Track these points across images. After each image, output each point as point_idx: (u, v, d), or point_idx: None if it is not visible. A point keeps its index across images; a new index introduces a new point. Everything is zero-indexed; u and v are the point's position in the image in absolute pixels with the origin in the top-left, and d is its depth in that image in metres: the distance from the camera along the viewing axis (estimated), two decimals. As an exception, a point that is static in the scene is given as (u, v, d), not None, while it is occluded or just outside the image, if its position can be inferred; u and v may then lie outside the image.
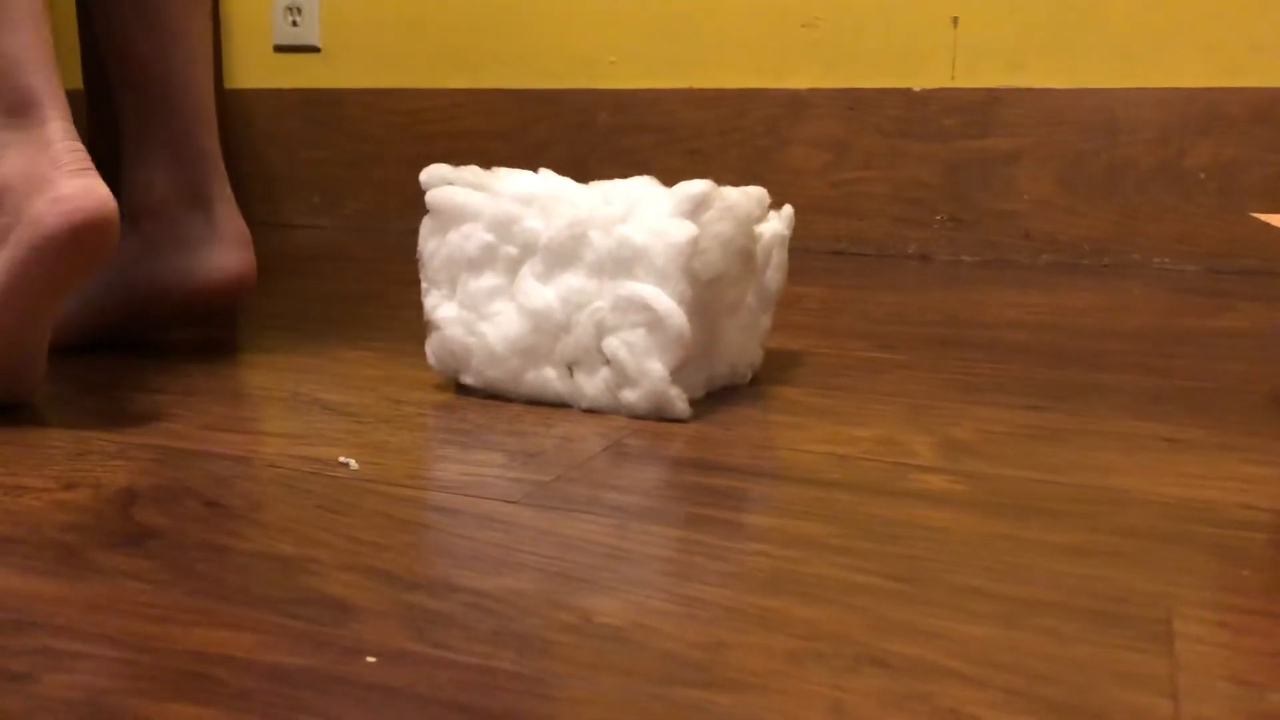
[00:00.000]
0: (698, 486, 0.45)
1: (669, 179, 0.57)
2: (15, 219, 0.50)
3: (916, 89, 1.15)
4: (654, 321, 0.53)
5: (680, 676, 0.30)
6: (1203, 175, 1.06)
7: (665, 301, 0.53)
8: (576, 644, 0.31)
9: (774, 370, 0.65)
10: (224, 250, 0.69)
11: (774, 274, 0.63)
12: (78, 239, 0.50)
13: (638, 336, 0.53)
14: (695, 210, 0.54)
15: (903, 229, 1.18)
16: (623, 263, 0.54)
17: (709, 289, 0.55)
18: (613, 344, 0.54)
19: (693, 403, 0.57)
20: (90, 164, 0.51)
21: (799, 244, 1.21)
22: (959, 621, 0.33)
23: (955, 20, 1.13)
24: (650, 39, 1.26)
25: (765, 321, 0.63)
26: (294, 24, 1.44)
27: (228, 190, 0.71)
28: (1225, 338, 0.77)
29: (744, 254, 0.58)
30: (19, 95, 0.52)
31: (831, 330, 0.78)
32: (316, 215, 1.44)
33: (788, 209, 0.65)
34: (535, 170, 0.60)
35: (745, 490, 0.45)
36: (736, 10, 1.22)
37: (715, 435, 0.52)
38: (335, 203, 1.43)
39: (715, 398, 0.59)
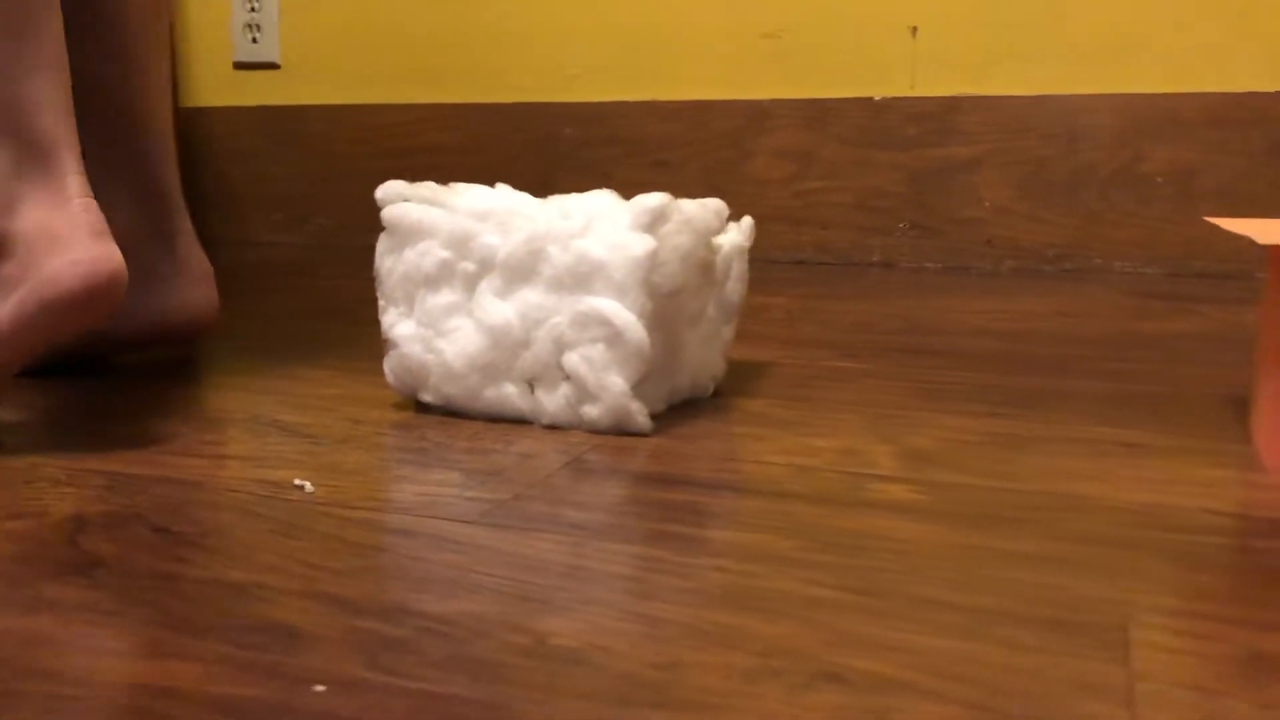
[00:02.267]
0: (658, 502, 0.45)
1: (634, 191, 0.57)
2: (26, 270, 0.51)
3: (877, 98, 1.16)
4: (613, 336, 0.53)
5: (636, 698, 0.29)
6: (1160, 180, 1.07)
7: (625, 316, 0.53)
8: (531, 667, 0.31)
9: (737, 381, 0.65)
10: (187, 286, 0.69)
11: (734, 285, 0.62)
12: (92, 302, 0.51)
13: (597, 351, 0.53)
14: (653, 223, 0.54)
15: (867, 238, 1.18)
16: (581, 277, 0.53)
17: (669, 302, 0.55)
18: (572, 359, 0.54)
19: (655, 416, 0.56)
20: (105, 225, 0.52)
21: (764, 254, 1.22)
22: (919, 634, 0.33)
23: (914, 30, 1.14)
24: (613, 52, 1.26)
25: (727, 333, 0.63)
26: (254, 40, 1.42)
27: (189, 224, 0.71)
28: (1185, 341, 0.77)
29: (703, 266, 0.58)
30: (38, 140, 0.52)
31: (795, 340, 0.78)
32: (279, 232, 1.43)
33: (747, 220, 0.65)
34: (498, 185, 0.60)
35: (705, 504, 0.44)
36: (699, 22, 1.22)
37: (677, 449, 0.52)
38: (298, 219, 1.41)
39: (677, 411, 0.58)
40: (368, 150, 1.37)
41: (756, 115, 1.20)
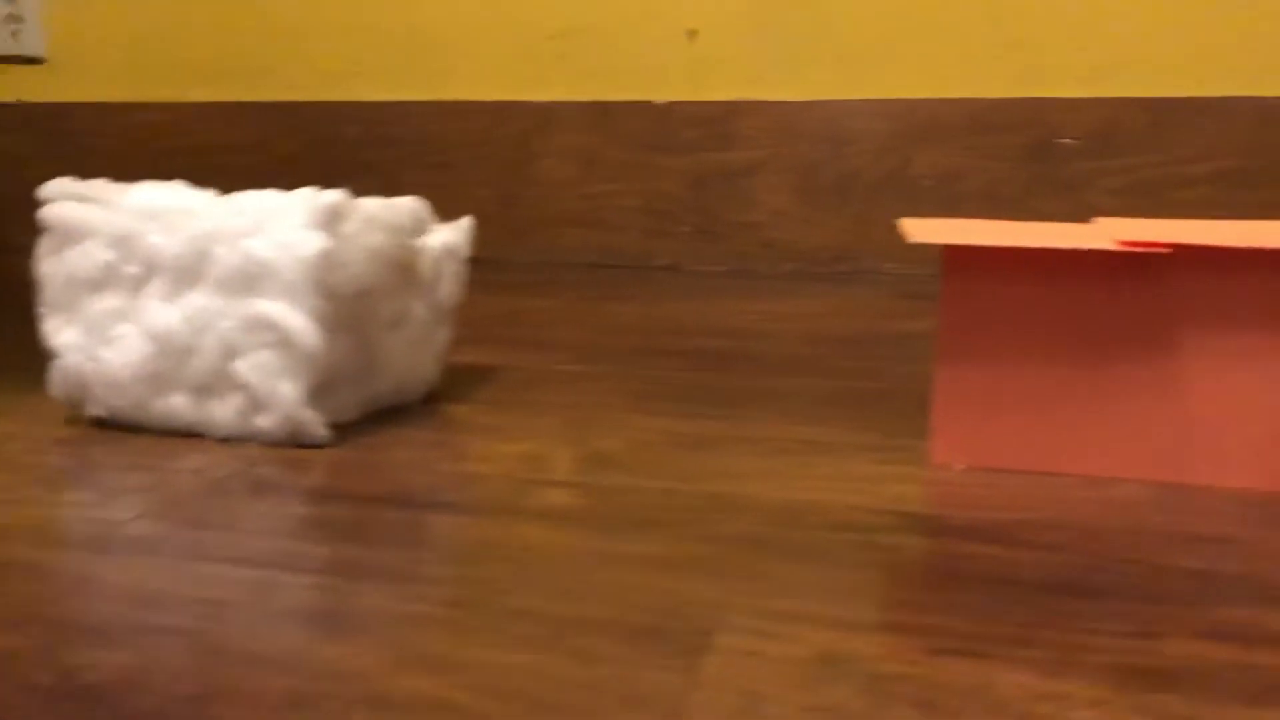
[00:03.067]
0: (304, 518, 0.42)
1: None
2: None
3: (658, 102, 1.16)
4: (283, 341, 0.50)
5: (148, 736, 0.27)
6: (927, 183, 1.10)
7: (295, 319, 0.50)
8: (38, 708, 0.28)
9: (454, 386, 0.63)
10: None
11: (448, 286, 0.60)
12: None
13: (267, 358, 0.50)
14: (330, 221, 0.51)
15: (652, 241, 1.18)
16: (250, 279, 0.50)
17: (355, 304, 0.53)
18: (242, 367, 0.50)
19: (348, 424, 0.54)
20: None
21: (554, 257, 1.20)
22: (495, 648, 0.31)
23: (692, 34, 1.15)
24: (397, 51, 1.23)
25: (442, 335, 0.61)
26: (14, 34, 1.33)
27: None
28: (921, 340, 0.79)
29: (399, 266, 0.56)
30: None
31: (543, 343, 0.76)
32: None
33: (465, 220, 0.63)
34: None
35: (351, 519, 0.42)
36: (484, 22, 1.20)
37: (351, 460, 0.49)
38: (67, 224, 1.32)
39: (376, 418, 0.56)
40: (141, 151, 1.30)
41: (541, 117, 1.19)
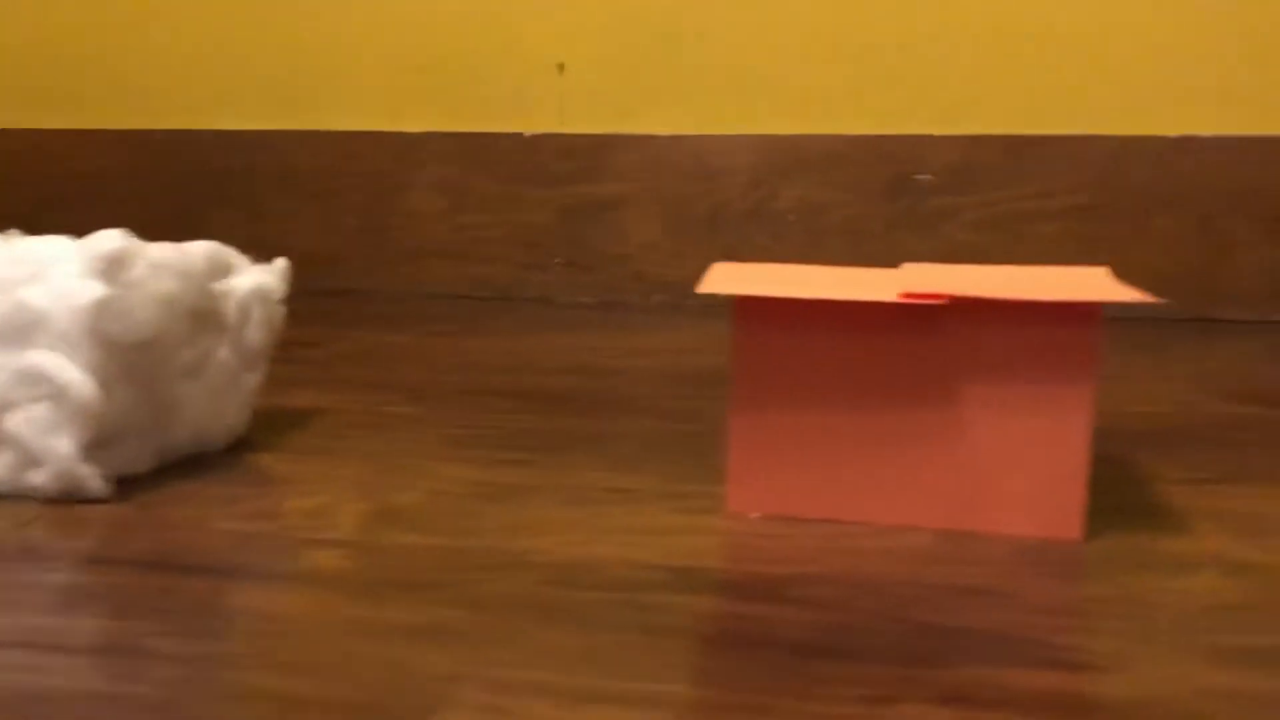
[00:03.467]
0: (52, 585, 0.40)
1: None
2: None
3: (528, 134, 1.15)
4: (58, 394, 0.48)
5: None
6: (791, 217, 1.11)
7: (70, 372, 0.48)
8: None
9: (266, 432, 0.61)
10: None
11: (256, 330, 0.59)
12: None
13: (41, 412, 0.48)
14: (111, 269, 0.49)
15: (523, 273, 1.17)
16: (22, 330, 0.48)
17: (141, 353, 0.50)
18: (14, 421, 0.48)
19: (141, 476, 0.52)
20: None
21: (424, 289, 1.18)
22: (198, 734, 0.30)
23: (561, 67, 1.14)
24: (266, 79, 1.20)
25: (251, 380, 0.59)
26: None
27: None
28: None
29: (196, 313, 0.54)
30: None
31: (381, 383, 0.75)
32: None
33: (279, 262, 0.61)
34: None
35: (104, 586, 0.40)
36: (352, 52, 1.18)
37: (128, 518, 0.47)
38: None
39: (172, 469, 0.54)
40: (-5, 178, 1.25)
41: (411, 148, 1.17)
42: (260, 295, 0.58)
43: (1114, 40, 1.05)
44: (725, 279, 0.49)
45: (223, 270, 0.56)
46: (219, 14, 1.21)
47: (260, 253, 1.24)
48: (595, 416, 0.66)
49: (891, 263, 1.10)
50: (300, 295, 1.19)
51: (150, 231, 1.21)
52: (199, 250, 0.54)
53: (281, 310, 0.62)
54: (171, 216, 1.23)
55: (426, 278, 1.18)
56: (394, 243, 1.19)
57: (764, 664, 0.34)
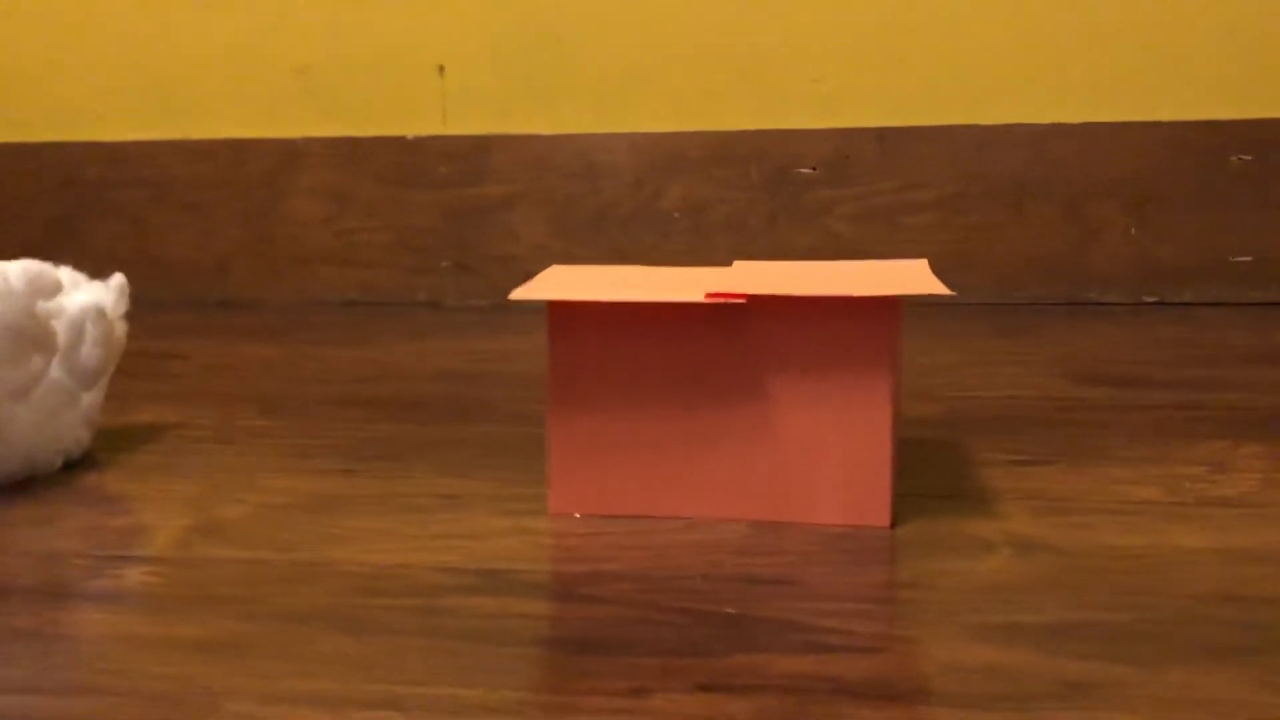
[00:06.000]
0: None
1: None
2: None
3: (410, 137, 1.15)
4: None
5: None
6: (676, 215, 1.13)
7: (-127, 398, 0.47)
8: None
9: (110, 450, 0.60)
10: None
11: (92, 349, 0.58)
12: None
13: None
14: (-84, 292, 0.48)
15: (411, 277, 1.17)
16: None
17: (-43, 377, 0.50)
18: None
19: (-39, 503, 0.51)
20: None
21: (310, 296, 1.18)
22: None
23: (442, 69, 1.14)
24: (139, 88, 1.18)
25: (90, 399, 0.58)
26: None
27: None
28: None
29: (20, 334, 0.53)
30: None
31: (239, 397, 0.74)
32: None
33: (116, 278, 0.61)
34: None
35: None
36: (226, 58, 1.17)
37: (-61, 544, 0.47)
38: None
39: (-2, 493, 0.53)
40: None
41: (290, 154, 1.16)
42: (95, 313, 0.58)
43: (982, 31, 1.07)
44: (542, 285, 0.50)
45: (49, 289, 0.56)
46: (90, 23, 1.19)
47: (144, 266, 1.22)
48: (444, 423, 0.66)
49: (775, 257, 1.11)
50: (183, 307, 1.17)
51: (30, 249, 1.19)
52: (14, 269, 0.53)
53: (123, 326, 0.61)
54: (44, 230, 1.20)
55: (313, 285, 1.17)
56: (279, 251, 1.18)
57: (535, 662, 0.35)
